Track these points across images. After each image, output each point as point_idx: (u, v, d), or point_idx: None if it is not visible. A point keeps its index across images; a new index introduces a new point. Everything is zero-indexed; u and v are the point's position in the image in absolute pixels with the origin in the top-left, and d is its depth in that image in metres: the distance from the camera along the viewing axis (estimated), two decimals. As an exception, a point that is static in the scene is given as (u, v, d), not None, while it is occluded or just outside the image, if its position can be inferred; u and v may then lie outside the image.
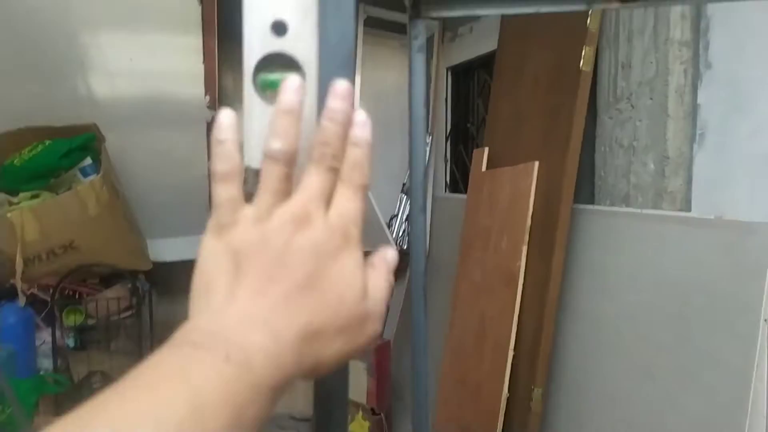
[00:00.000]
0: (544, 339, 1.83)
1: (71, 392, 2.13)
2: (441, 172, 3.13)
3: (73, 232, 2.16)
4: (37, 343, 2.14)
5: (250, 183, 0.49)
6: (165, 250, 3.05)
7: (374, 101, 3.10)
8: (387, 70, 3.20)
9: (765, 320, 1.36)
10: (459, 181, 3.01)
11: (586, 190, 1.98)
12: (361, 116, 0.37)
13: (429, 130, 3.12)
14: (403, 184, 3.21)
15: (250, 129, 0.45)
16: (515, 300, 1.93)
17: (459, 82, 3.09)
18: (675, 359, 1.54)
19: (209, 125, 2.95)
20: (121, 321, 2.37)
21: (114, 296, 2.29)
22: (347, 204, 0.35)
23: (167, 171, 2.86)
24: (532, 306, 1.90)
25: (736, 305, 1.41)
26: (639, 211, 1.75)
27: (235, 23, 3.04)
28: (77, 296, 2.29)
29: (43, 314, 2.21)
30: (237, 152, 0.36)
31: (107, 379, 2.22)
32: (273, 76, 0.44)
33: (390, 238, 2.97)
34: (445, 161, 3.10)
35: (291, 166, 0.35)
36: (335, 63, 0.43)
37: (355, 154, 0.37)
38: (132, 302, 2.38)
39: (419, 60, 0.68)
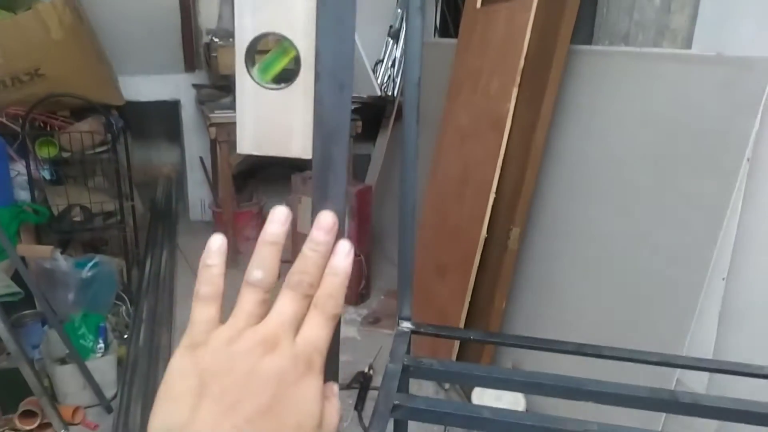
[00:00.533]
0: (527, 182, 1.82)
1: (52, 223, 2.13)
2: (430, 15, 2.95)
3: (37, 57, 2.03)
4: (12, 174, 2.10)
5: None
6: (137, 87, 2.93)
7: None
8: None
9: (748, 159, 1.34)
10: (450, 23, 2.85)
11: (584, 30, 1.87)
12: (344, 246, 0.38)
13: None
14: (390, 27, 3.04)
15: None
16: (501, 144, 1.90)
17: None
18: (653, 198, 1.55)
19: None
20: (97, 156, 2.31)
21: (87, 129, 2.21)
22: (317, 331, 0.36)
23: (135, 1, 2.66)
24: (517, 150, 1.87)
25: (723, 144, 1.38)
26: (638, 50, 1.66)
27: None
28: (48, 128, 2.20)
29: (15, 145, 2.14)
30: (221, 277, 0.37)
31: (87, 212, 2.21)
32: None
33: (375, 84, 2.86)
34: (435, 2, 2.91)
35: (269, 291, 0.37)
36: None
37: (333, 284, 0.37)
38: (106, 138, 2.31)
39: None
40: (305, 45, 0.38)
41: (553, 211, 1.89)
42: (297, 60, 0.39)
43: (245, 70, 0.40)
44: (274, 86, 0.40)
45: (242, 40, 0.39)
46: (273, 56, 0.40)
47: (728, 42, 1.49)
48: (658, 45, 1.63)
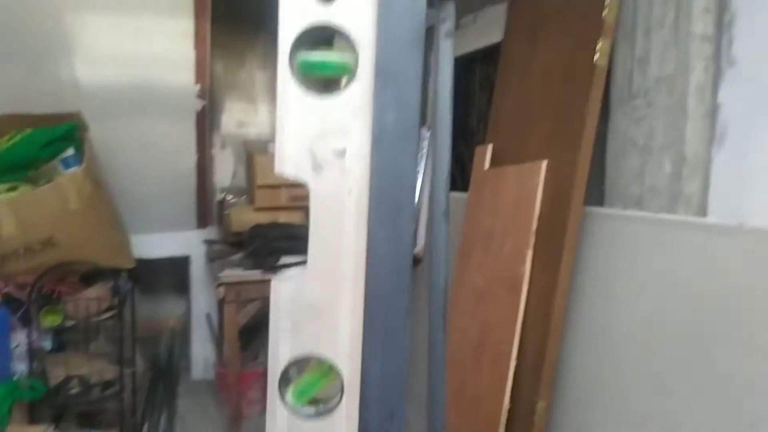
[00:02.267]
0: (550, 349, 1.72)
1: (47, 398, 2.01)
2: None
3: (53, 226, 2.04)
4: (12, 345, 2.02)
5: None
6: (149, 245, 2.93)
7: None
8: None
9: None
10: (457, 177, 2.90)
11: (594, 191, 1.87)
12: None
13: (428, 125, 3.01)
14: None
15: (285, 123, 0.36)
16: (518, 307, 1.83)
17: (458, 76, 2.97)
18: (691, 374, 1.45)
19: (199, 115, 2.84)
20: (101, 322, 2.25)
21: (94, 296, 2.17)
22: None
23: (154, 163, 2.75)
24: (537, 314, 1.79)
25: (757, 318, 1.31)
26: (654, 215, 1.64)
27: (230, 7, 2.92)
28: (56, 295, 2.17)
29: (19, 314, 2.08)
30: None
31: (85, 383, 2.10)
32: (315, 57, 0.35)
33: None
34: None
35: None
36: (400, 40, 0.33)
37: None
38: (113, 302, 2.26)
39: (447, 47, 0.57)
40: (349, 368, 0.33)
41: (581, 383, 1.77)
42: (340, 385, 0.33)
43: (277, 396, 0.34)
44: (311, 412, 0.34)
45: (277, 363, 0.34)
46: (311, 379, 0.34)
47: (745, 211, 1.47)
48: (672, 211, 1.61)
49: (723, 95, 1.56)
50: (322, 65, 0.34)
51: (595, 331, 1.74)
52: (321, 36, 0.35)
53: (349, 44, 0.34)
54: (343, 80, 0.36)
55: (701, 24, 1.56)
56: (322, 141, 0.35)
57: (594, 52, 1.69)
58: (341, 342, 0.33)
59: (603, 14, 1.69)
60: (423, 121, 3.09)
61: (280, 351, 0.33)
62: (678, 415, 1.46)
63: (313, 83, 0.35)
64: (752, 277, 1.34)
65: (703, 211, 1.59)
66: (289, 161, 0.35)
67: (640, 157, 1.71)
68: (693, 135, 1.58)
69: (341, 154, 0.35)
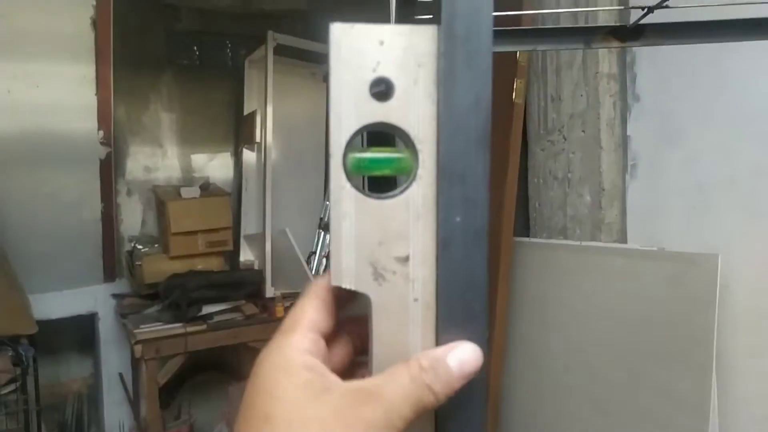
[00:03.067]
0: (493, 378, 1.75)
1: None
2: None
3: (-60, 295, 1.81)
4: None
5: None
6: (50, 305, 2.68)
7: (286, 133, 2.95)
8: (298, 100, 3.06)
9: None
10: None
11: (519, 223, 1.95)
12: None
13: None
14: (320, 219, 3.07)
15: (341, 231, 0.33)
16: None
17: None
18: (628, 395, 1.52)
19: (103, 162, 2.66)
20: (2, 398, 2.01)
21: (-6, 369, 1.94)
22: None
23: (54, 216, 2.53)
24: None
25: (687, 337, 1.40)
26: (578, 243, 1.73)
27: (132, 50, 2.79)
28: (-54, 372, 1.91)
29: None
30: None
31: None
32: (368, 155, 0.32)
33: (310, 274, 2.81)
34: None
35: None
36: (465, 138, 0.31)
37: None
38: (15, 373, 2.03)
39: None
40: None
41: (524, 408, 1.81)
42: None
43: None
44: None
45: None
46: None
47: (661, 235, 1.58)
48: (595, 238, 1.71)
49: (631, 128, 1.69)
50: (380, 163, 0.32)
51: (535, 356, 1.79)
52: (376, 133, 0.33)
53: (409, 142, 0.32)
54: (403, 180, 0.34)
55: (607, 63, 1.70)
56: (383, 248, 0.33)
57: (512, 92, 1.77)
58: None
59: (517, 55, 1.78)
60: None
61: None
62: (619, 434, 1.52)
63: (370, 186, 0.33)
64: (677, 297, 1.43)
65: (623, 237, 1.70)
66: (347, 273, 0.32)
67: (561, 189, 1.81)
68: (608, 166, 1.69)
69: (404, 260, 0.32)
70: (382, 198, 0.33)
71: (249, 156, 2.97)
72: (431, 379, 0.30)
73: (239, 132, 3.06)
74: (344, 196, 0.33)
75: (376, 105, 0.33)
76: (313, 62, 3.02)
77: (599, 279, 1.62)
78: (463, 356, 0.31)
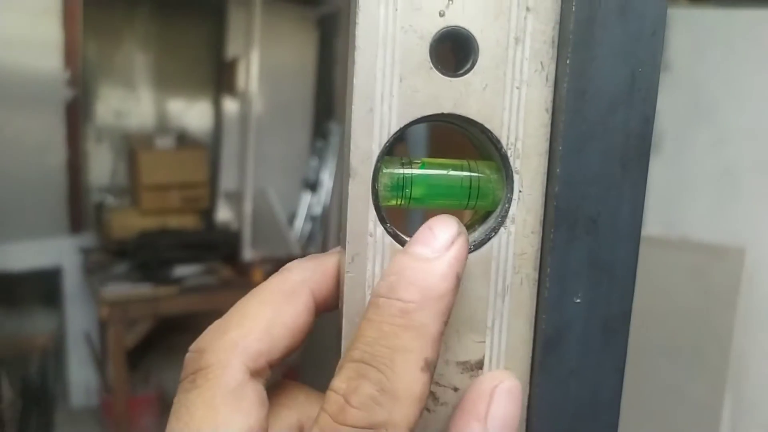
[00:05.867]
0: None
1: None
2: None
3: None
4: None
5: None
6: (11, 256, 2.50)
7: (272, 83, 2.73)
8: (287, 47, 2.83)
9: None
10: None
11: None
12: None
13: (336, 118, 2.82)
14: (304, 179, 2.89)
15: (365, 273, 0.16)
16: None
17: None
18: (634, 393, 1.41)
19: (70, 105, 2.43)
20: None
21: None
22: None
23: (13, 162, 2.32)
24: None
25: (703, 335, 1.29)
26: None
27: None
28: None
29: None
30: None
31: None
32: (424, 173, 0.16)
33: (293, 241, 2.65)
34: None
35: None
36: (605, 153, 0.16)
37: None
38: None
39: None
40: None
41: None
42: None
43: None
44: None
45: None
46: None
47: (683, 222, 1.45)
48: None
49: (658, 100, 1.53)
50: (444, 189, 0.15)
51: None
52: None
53: (497, 153, 0.15)
54: (480, 220, 0.15)
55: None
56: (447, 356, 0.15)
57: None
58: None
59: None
60: (329, 115, 2.89)
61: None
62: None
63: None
64: (695, 292, 1.31)
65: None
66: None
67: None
68: (628, 141, 1.54)
69: (476, 368, 0.14)
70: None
71: (230, 106, 2.76)
72: None
73: (221, 79, 2.84)
74: (371, 248, 0.17)
75: (441, 81, 0.17)
76: (305, 3, 2.78)
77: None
78: None
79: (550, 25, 0.18)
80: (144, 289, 2.20)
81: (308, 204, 2.80)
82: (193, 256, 2.34)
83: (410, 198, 0.19)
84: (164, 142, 2.52)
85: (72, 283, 2.74)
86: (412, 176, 0.19)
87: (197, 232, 2.49)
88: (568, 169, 0.18)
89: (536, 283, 0.19)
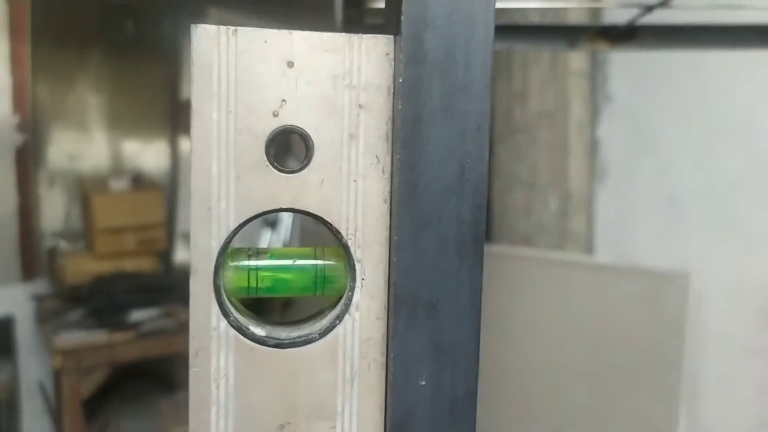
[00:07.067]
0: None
1: None
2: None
3: None
4: None
5: None
6: (-40, 307, 2.41)
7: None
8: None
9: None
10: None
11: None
12: None
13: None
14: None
15: (209, 413, 0.17)
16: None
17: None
18: (592, 419, 1.41)
19: (20, 150, 2.37)
20: None
21: None
22: None
23: (-40, 210, 2.25)
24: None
25: (656, 359, 1.31)
26: (541, 254, 1.61)
27: (55, 24, 2.50)
28: None
29: None
30: None
31: None
32: (268, 264, 0.18)
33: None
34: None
35: None
36: (441, 239, 0.21)
37: None
38: None
39: None
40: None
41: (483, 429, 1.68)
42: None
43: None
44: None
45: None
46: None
47: (630, 247, 1.48)
48: (561, 248, 1.59)
49: (602, 131, 1.57)
50: (289, 282, 0.15)
51: (492, 376, 1.67)
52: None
53: (339, 244, 0.15)
54: (326, 308, 0.15)
55: (577, 60, 1.56)
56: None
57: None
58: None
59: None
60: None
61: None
62: (583, 463, 1.42)
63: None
64: (645, 317, 1.33)
65: (590, 247, 1.58)
66: None
67: (526, 194, 1.68)
68: (575, 171, 1.57)
69: None
70: (287, 344, 0.18)
71: (187, 145, 2.74)
72: None
73: (177, 118, 2.82)
74: (215, 342, 0.17)
75: (278, 178, 0.17)
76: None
77: (563, 294, 1.50)
78: None
79: (383, 121, 0.19)
80: (98, 336, 2.13)
81: (269, 241, 2.78)
82: (150, 299, 2.29)
83: (257, 289, 0.19)
84: (119, 185, 2.47)
85: (24, 333, 2.65)
86: (257, 268, 0.19)
87: (154, 274, 2.43)
88: (405, 257, 0.18)
89: (385, 367, 0.19)
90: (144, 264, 2.45)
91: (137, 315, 2.19)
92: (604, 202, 1.56)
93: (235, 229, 0.18)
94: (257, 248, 0.20)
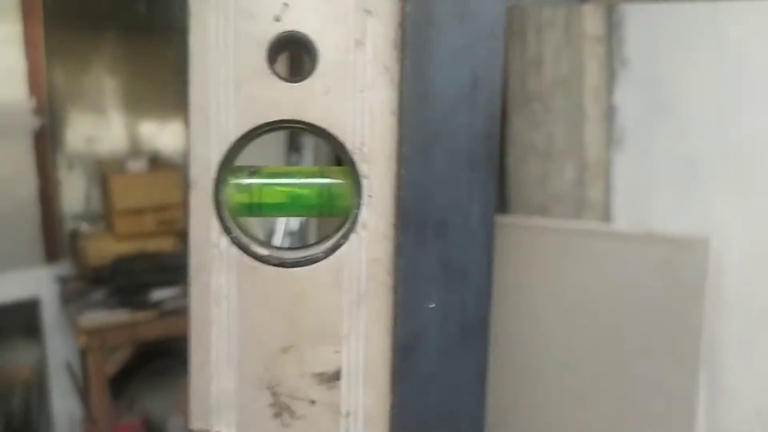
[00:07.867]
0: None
1: None
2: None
3: None
4: None
5: None
6: (-12, 290, 2.47)
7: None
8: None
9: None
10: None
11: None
12: None
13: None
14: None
15: (210, 331, 0.19)
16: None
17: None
18: (611, 388, 1.41)
19: (38, 134, 2.41)
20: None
21: None
22: None
23: (-19, 195, 2.29)
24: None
25: (675, 328, 1.30)
26: (557, 223, 1.59)
27: (68, 6, 2.51)
28: None
29: None
30: None
31: None
32: (266, 182, 0.17)
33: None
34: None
35: None
36: (450, 154, 0.27)
37: None
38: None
39: None
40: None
41: (499, 403, 1.69)
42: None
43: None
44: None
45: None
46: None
47: (649, 214, 1.45)
48: (578, 217, 1.57)
49: (618, 97, 1.54)
50: (289, 199, 0.15)
51: (510, 348, 1.67)
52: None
53: (344, 159, 0.15)
54: (330, 229, 0.15)
55: (591, 23, 1.53)
56: (291, 357, 0.15)
57: (488, 55, 1.60)
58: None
59: (495, 14, 1.60)
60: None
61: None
62: (603, 431, 1.42)
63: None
64: (664, 284, 1.32)
65: (608, 216, 1.56)
66: (222, 407, 0.15)
67: (541, 163, 1.65)
68: (592, 138, 1.54)
69: (332, 380, 0.14)
70: (290, 263, 0.18)
71: (202, 125, 2.75)
72: None
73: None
74: (216, 259, 0.18)
75: (281, 87, 0.17)
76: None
77: (580, 264, 1.49)
78: None
79: (391, 28, 0.18)
80: (122, 316, 2.17)
81: (286, 219, 2.79)
82: (171, 278, 2.32)
83: (260, 205, 0.18)
84: (136, 166, 2.50)
85: (50, 314, 2.71)
86: (260, 186, 0.19)
87: (174, 254, 2.46)
88: (414, 171, 0.18)
89: (393, 289, 0.18)
90: (164, 244, 2.48)
91: (159, 294, 2.22)
92: (622, 169, 1.53)
93: (237, 141, 0.18)
94: (261, 166, 0.19)
